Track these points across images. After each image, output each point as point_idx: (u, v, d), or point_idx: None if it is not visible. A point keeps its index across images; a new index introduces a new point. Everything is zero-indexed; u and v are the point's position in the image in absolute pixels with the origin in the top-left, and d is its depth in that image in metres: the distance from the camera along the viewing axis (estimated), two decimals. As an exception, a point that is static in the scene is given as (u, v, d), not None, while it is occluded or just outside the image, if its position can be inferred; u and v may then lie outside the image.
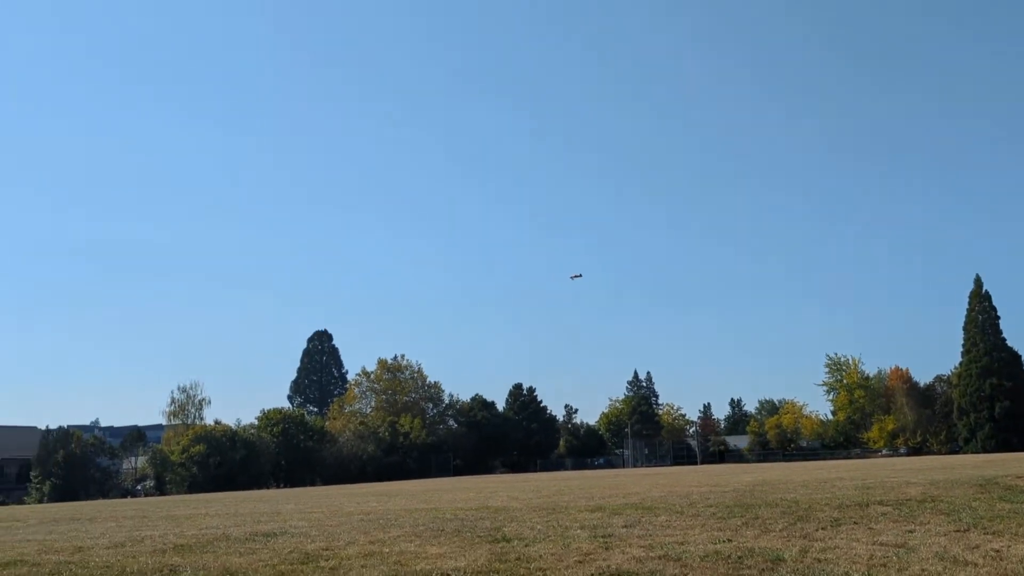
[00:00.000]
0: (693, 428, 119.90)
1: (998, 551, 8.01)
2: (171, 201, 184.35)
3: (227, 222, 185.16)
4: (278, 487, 79.57)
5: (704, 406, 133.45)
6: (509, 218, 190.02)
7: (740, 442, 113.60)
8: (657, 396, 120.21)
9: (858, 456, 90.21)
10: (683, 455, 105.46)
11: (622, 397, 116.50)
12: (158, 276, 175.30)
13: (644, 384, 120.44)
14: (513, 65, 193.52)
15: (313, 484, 79.89)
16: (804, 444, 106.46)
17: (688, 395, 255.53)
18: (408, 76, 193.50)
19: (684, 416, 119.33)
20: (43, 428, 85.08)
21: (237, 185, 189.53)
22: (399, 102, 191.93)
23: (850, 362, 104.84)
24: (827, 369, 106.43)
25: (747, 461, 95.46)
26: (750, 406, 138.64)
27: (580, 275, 58.40)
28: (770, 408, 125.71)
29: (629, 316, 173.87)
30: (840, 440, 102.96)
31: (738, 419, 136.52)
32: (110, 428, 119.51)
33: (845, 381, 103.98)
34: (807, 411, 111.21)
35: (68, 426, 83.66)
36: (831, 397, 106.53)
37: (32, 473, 77.14)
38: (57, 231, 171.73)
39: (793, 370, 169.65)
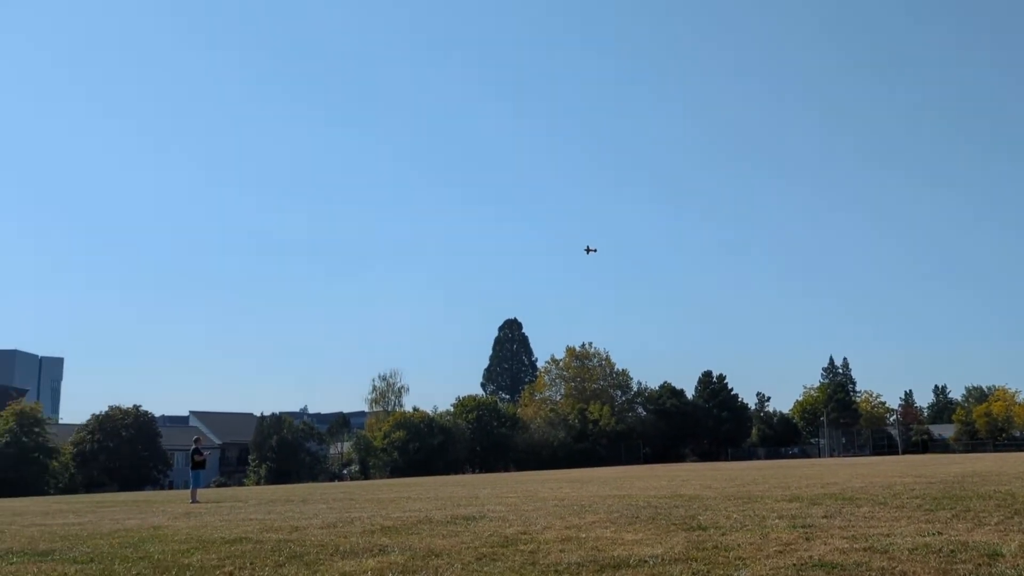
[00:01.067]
0: (893, 416, 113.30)
1: None
2: (372, 201, 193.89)
3: (424, 219, 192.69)
4: (473, 472, 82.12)
5: (905, 393, 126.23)
6: (692, 206, 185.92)
7: (945, 431, 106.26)
8: (854, 383, 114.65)
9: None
10: (883, 445, 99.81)
11: (817, 384, 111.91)
12: (360, 270, 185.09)
13: (840, 371, 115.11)
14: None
15: (506, 469, 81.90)
16: (1017, 434, 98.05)
17: (888, 382, 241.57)
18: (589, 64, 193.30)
19: (884, 404, 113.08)
20: (258, 415, 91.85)
21: (430, 184, 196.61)
22: (571, 92, 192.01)
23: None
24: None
25: (953, 451, 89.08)
26: (956, 393, 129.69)
27: (595, 249, 55.70)
28: (978, 395, 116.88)
29: (823, 299, 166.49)
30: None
31: (943, 407, 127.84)
32: (317, 415, 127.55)
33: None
34: (1021, 398, 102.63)
35: (280, 412, 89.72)
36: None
37: (250, 456, 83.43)
38: (271, 232, 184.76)
39: (1004, 354, 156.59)
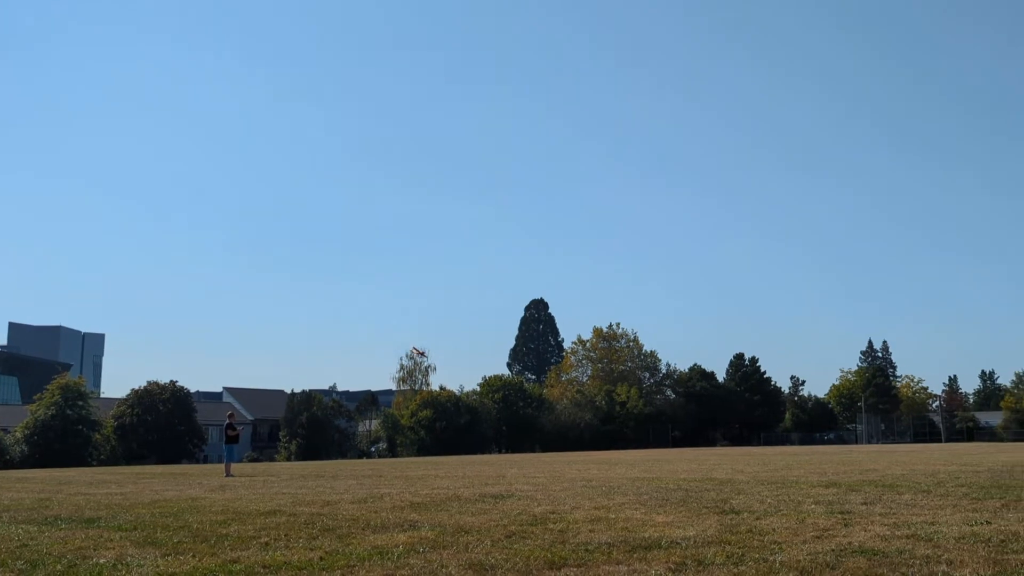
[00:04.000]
0: (936, 403, 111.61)
1: None
2: (404, 182, 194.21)
3: (447, 197, 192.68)
4: (498, 452, 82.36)
5: (949, 379, 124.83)
6: (722, 191, 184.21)
7: (992, 419, 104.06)
8: (895, 367, 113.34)
9: None
10: (924, 432, 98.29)
11: (855, 368, 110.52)
12: (390, 250, 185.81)
13: (879, 354, 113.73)
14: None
15: (532, 450, 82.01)
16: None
17: (930, 367, 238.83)
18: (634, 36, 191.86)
19: (926, 389, 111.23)
20: (289, 391, 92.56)
21: (451, 160, 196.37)
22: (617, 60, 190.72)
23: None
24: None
25: (1000, 440, 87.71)
26: (1005, 379, 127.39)
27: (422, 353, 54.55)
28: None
29: (860, 281, 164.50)
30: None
31: (990, 393, 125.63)
32: (346, 392, 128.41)
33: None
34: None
35: (310, 390, 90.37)
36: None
37: (281, 433, 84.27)
38: (305, 210, 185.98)
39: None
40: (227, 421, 29.45)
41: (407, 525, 9.72)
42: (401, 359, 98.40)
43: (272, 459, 76.15)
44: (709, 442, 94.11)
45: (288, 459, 74.87)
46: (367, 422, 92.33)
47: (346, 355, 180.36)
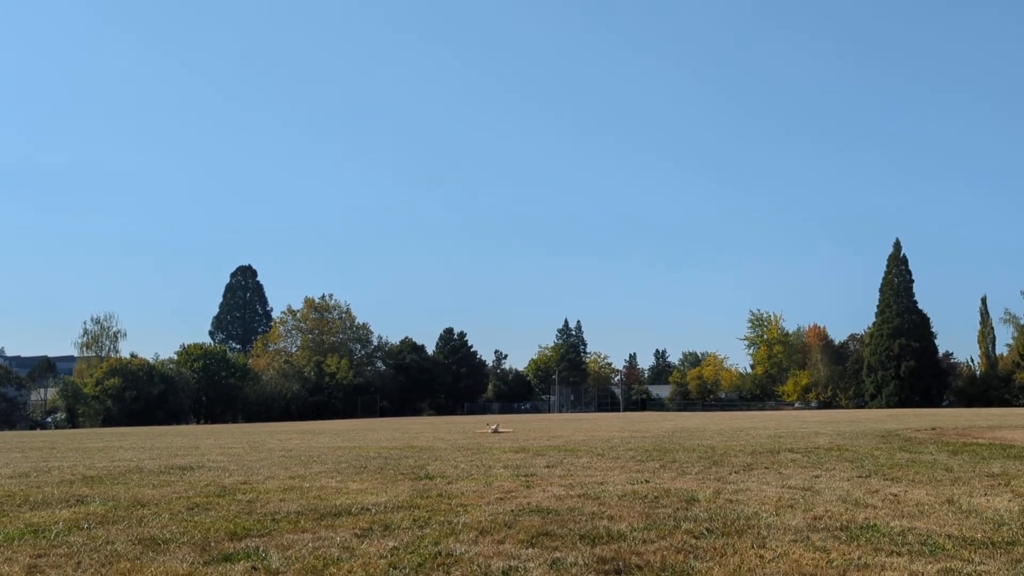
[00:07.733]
0: (618, 377, 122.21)
1: (895, 495, 8.34)
2: (93, 126, 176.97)
3: (152, 149, 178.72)
4: (198, 423, 78.55)
5: (630, 356, 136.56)
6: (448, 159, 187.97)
7: (662, 392, 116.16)
8: (585, 344, 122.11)
9: (773, 408, 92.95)
10: (607, 402, 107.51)
11: (551, 344, 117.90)
12: (74, 202, 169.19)
13: (573, 332, 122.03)
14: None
15: (235, 421, 79.13)
16: (723, 395, 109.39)
17: (615, 345, 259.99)
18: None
19: (610, 365, 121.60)
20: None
21: (160, 110, 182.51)
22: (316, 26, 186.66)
23: (771, 318, 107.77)
24: (749, 324, 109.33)
25: (668, 410, 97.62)
26: (674, 357, 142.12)
27: None
28: (692, 360, 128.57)
29: (562, 265, 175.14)
30: (757, 393, 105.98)
31: (661, 369, 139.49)
32: (17, 358, 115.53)
33: (766, 336, 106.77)
34: (727, 364, 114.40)
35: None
36: (751, 351, 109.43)
37: (-69, 402, 74.45)
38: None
39: (717, 324, 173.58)
40: None
41: (74, 500, 8.94)
42: (85, 323, 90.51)
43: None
44: (416, 412, 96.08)
45: (-59, 431, 66.36)
46: (42, 391, 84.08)
47: (19, 316, 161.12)
